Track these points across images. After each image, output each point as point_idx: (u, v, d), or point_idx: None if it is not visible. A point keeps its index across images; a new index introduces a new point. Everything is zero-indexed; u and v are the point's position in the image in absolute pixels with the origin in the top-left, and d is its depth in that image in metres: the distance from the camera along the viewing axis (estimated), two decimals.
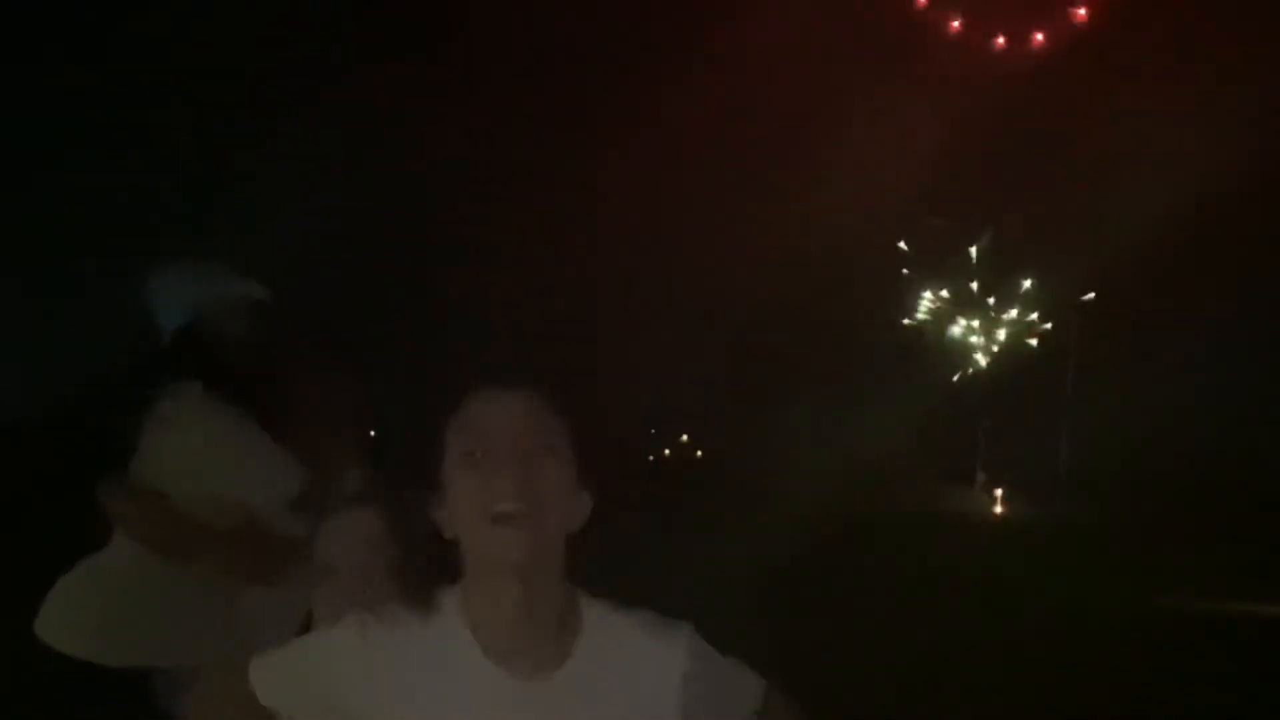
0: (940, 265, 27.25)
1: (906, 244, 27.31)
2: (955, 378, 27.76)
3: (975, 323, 27.69)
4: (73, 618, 2.02)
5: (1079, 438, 25.22)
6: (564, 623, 1.16)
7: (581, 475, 1.15)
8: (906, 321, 27.94)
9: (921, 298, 27.77)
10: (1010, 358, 27.22)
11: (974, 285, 27.31)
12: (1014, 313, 27.25)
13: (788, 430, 27.05)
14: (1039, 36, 21.15)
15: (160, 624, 1.99)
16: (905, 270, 27.60)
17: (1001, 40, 21.97)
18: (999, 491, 22.54)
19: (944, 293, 27.76)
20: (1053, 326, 26.48)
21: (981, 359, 27.85)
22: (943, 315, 27.83)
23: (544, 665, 1.14)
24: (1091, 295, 25.23)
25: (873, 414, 25.21)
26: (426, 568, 1.16)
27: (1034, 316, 26.88)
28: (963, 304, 27.61)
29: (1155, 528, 15.12)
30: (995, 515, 20.92)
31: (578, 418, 1.15)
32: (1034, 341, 26.91)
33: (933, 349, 27.71)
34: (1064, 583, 9.62)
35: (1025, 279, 26.66)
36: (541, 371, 1.16)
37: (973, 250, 27.00)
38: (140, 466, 2.06)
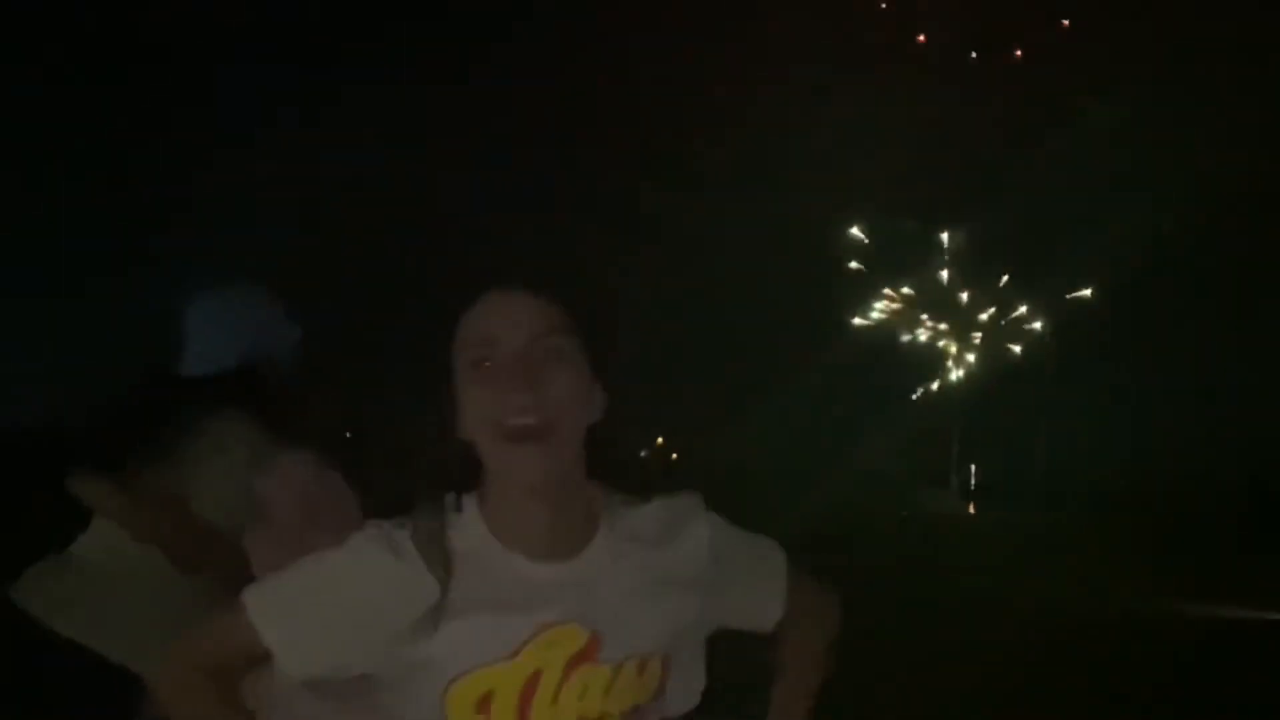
0: (906, 263, 26.74)
1: (864, 235, 26.70)
2: (917, 394, 27.34)
3: (944, 325, 27.17)
4: (57, 593, 2.02)
5: (1055, 440, 25.02)
6: (585, 513, 1.15)
7: (596, 372, 1.12)
8: (859, 321, 27.32)
9: (881, 295, 27.21)
10: (988, 360, 26.85)
11: (944, 275, 26.63)
12: (992, 310, 26.75)
13: (762, 432, 26.90)
14: (1018, 53, 21.25)
15: (146, 620, 2.02)
16: (855, 264, 26.94)
17: (975, 55, 22.11)
18: (973, 493, 22.72)
19: (905, 289, 27.20)
20: (1041, 327, 26.04)
21: (953, 363, 27.46)
22: (906, 315, 27.31)
23: (567, 551, 1.13)
24: (1088, 292, 24.90)
25: (848, 416, 25.19)
26: (442, 477, 1.14)
27: (1022, 309, 26.29)
28: (930, 303, 27.12)
29: (1130, 532, 15.17)
30: (969, 517, 21.07)
31: (587, 314, 1.11)
32: (1017, 348, 26.40)
33: (896, 349, 27.18)
34: (1037, 586, 9.69)
35: (1003, 275, 26.19)
36: (546, 269, 1.12)
37: (944, 238, 26.39)
38: (157, 474, 2.10)
